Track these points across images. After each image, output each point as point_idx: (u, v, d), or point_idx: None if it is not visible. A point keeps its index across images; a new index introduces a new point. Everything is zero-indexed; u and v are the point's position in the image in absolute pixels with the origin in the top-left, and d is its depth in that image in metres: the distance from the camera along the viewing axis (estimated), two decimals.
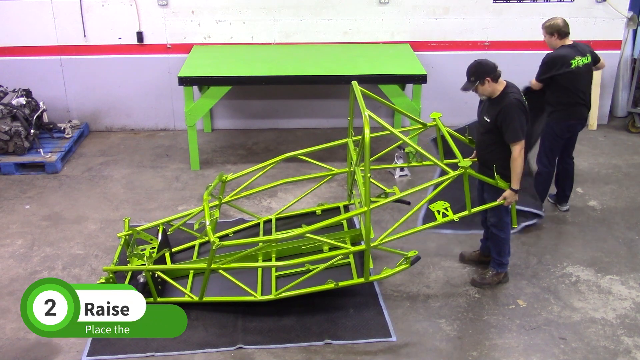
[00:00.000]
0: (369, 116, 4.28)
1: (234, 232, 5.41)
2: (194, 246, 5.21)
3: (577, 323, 4.56)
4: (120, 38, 7.35)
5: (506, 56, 7.59)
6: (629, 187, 6.47)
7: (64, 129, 7.30)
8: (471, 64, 4.46)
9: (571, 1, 7.40)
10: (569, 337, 4.42)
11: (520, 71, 7.61)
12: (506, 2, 7.40)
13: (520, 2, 7.40)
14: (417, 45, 7.46)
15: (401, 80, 6.64)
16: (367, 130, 4.11)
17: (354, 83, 4.64)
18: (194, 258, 5.08)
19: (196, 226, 5.01)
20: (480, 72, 4.38)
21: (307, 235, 4.36)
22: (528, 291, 4.88)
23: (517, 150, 4.36)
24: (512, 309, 4.69)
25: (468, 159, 4.75)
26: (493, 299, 4.79)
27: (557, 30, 5.40)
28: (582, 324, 4.54)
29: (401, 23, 7.44)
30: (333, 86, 7.50)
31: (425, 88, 6.67)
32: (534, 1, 7.40)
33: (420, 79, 6.50)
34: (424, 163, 5.04)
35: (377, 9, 7.37)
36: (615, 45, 7.68)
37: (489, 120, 4.49)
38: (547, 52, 5.50)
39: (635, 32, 7.90)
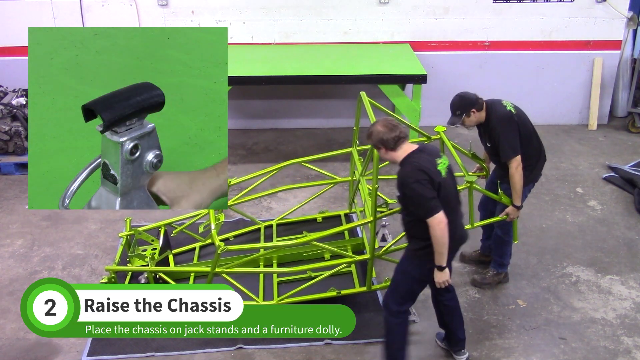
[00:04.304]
0: None
1: (234, 236, 5.42)
2: (194, 248, 5.22)
3: (577, 323, 4.56)
4: None
5: (506, 56, 7.61)
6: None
7: None
8: (454, 99, 4.44)
9: (571, 1, 7.40)
10: (569, 337, 4.42)
11: (520, 71, 7.68)
12: (506, 2, 7.40)
13: (520, 2, 7.40)
14: (417, 45, 7.46)
15: (401, 80, 6.64)
16: None
17: (363, 94, 4.68)
18: (195, 260, 5.09)
19: (201, 229, 5.03)
20: (465, 105, 4.38)
21: (313, 243, 4.38)
22: (528, 291, 4.88)
23: (513, 167, 4.36)
24: (512, 309, 4.69)
25: (473, 173, 4.75)
26: (493, 299, 4.79)
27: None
28: (582, 324, 4.55)
29: (401, 23, 7.44)
30: (333, 86, 7.50)
31: (425, 88, 6.66)
32: (534, 1, 7.40)
33: (420, 79, 6.50)
34: None
35: (377, 9, 7.37)
36: (615, 45, 7.68)
37: (489, 145, 4.53)
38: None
39: (635, 32, 7.90)
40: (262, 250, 4.70)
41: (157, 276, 4.68)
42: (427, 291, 4.84)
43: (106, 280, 4.55)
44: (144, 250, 4.95)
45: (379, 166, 4.39)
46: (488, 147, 4.59)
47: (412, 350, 4.30)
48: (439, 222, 3.50)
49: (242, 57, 7.10)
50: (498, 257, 4.84)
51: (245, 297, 4.51)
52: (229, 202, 5.16)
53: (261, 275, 4.81)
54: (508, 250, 4.81)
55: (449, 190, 3.67)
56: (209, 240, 5.17)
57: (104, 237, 5.57)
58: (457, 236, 3.77)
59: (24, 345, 4.33)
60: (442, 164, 3.62)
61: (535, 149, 4.55)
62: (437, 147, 3.70)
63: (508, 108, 4.43)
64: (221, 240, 4.88)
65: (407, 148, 3.63)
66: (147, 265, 4.69)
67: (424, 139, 5.06)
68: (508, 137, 4.35)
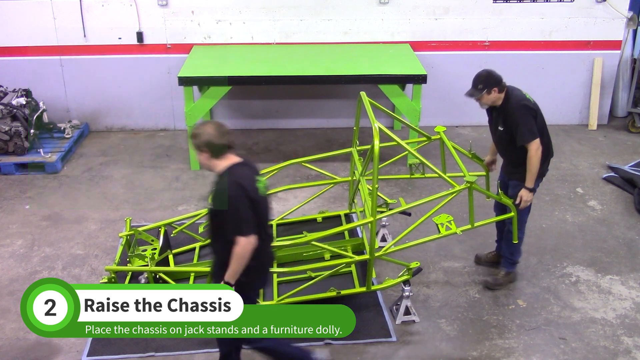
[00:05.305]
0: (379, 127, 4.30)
1: None
2: (194, 248, 5.22)
3: (577, 323, 4.56)
4: (120, 38, 7.35)
5: (506, 56, 7.61)
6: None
7: (64, 129, 7.30)
8: (480, 73, 4.45)
9: (571, 1, 7.40)
10: (569, 337, 4.42)
11: (520, 71, 7.67)
12: (506, 2, 7.40)
13: (520, 2, 7.40)
14: (417, 45, 7.46)
15: (401, 80, 6.64)
16: (376, 142, 4.13)
17: (363, 94, 4.68)
18: (195, 260, 5.09)
19: (201, 229, 5.03)
20: (490, 82, 4.39)
21: (313, 243, 4.37)
22: (528, 291, 4.88)
23: (533, 149, 4.36)
24: (512, 309, 4.69)
25: (474, 173, 4.76)
26: (493, 299, 4.79)
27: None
28: (582, 324, 4.55)
29: (401, 23, 7.44)
30: (333, 86, 7.50)
31: (425, 88, 6.67)
32: (534, 1, 7.40)
33: (420, 79, 6.50)
34: (427, 175, 5.05)
35: (377, 9, 7.37)
36: (615, 45, 7.68)
37: (502, 129, 4.52)
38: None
39: (635, 32, 7.90)
40: None
41: (157, 276, 4.68)
42: (428, 291, 4.85)
43: (106, 280, 4.55)
44: (144, 250, 4.95)
45: (379, 166, 4.39)
46: (499, 131, 4.54)
47: (412, 350, 4.31)
48: (248, 243, 3.38)
49: (242, 57, 7.11)
50: (509, 255, 4.84)
51: None
52: None
53: None
54: (519, 247, 4.82)
55: (264, 209, 3.59)
56: (209, 240, 5.16)
57: (104, 237, 5.56)
58: (266, 256, 3.72)
59: (24, 345, 4.33)
60: (261, 182, 3.53)
61: (545, 144, 4.55)
62: (256, 164, 3.62)
63: (527, 97, 4.47)
64: None
65: (231, 159, 3.48)
66: (147, 265, 4.69)
67: (424, 139, 5.06)
68: (526, 121, 4.36)
